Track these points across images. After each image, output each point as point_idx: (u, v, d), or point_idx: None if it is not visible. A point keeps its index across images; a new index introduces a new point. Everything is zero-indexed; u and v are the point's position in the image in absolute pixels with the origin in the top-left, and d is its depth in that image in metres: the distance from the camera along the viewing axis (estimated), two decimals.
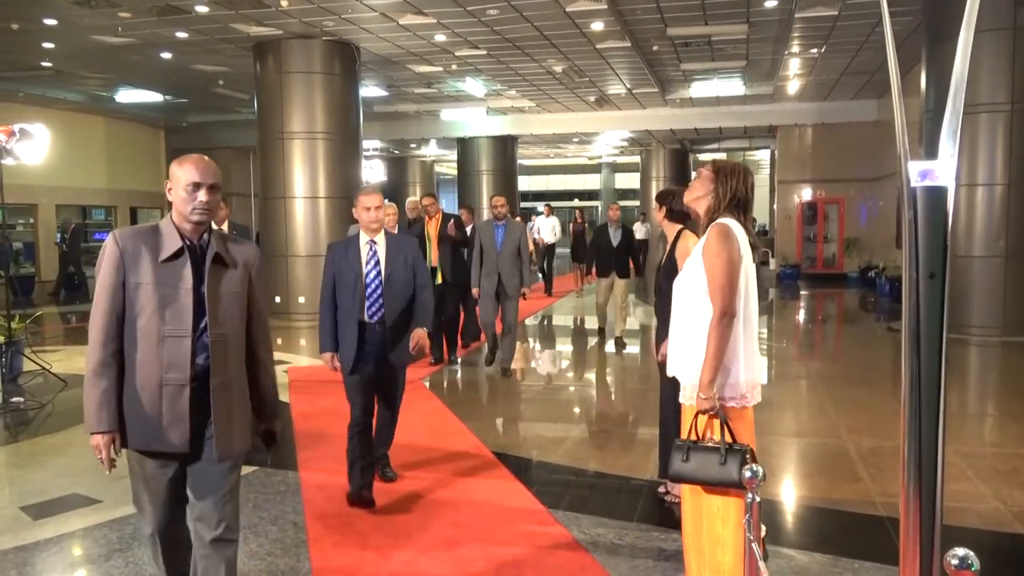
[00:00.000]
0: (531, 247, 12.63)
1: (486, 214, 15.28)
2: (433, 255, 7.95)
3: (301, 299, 11.95)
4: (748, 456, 2.60)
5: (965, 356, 9.01)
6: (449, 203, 29.49)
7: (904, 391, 2.13)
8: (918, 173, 2.08)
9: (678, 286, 2.91)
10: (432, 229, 8.05)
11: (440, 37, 11.76)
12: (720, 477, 2.66)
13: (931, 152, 2.09)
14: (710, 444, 2.69)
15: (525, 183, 22.52)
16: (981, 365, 8.85)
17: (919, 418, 2.12)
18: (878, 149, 17.64)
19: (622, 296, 9.66)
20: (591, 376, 8.54)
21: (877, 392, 7.23)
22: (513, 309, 7.64)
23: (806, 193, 19.77)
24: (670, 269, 3.91)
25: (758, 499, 2.44)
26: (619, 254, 9.49)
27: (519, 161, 23.42)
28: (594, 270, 10.82)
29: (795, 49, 12.88)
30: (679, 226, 4.19)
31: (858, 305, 15.14)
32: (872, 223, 18.40)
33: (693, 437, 2.78)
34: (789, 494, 4.55)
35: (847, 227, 19.15)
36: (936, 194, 2.07)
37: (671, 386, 3.37)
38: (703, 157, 26.89)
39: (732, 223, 2.75)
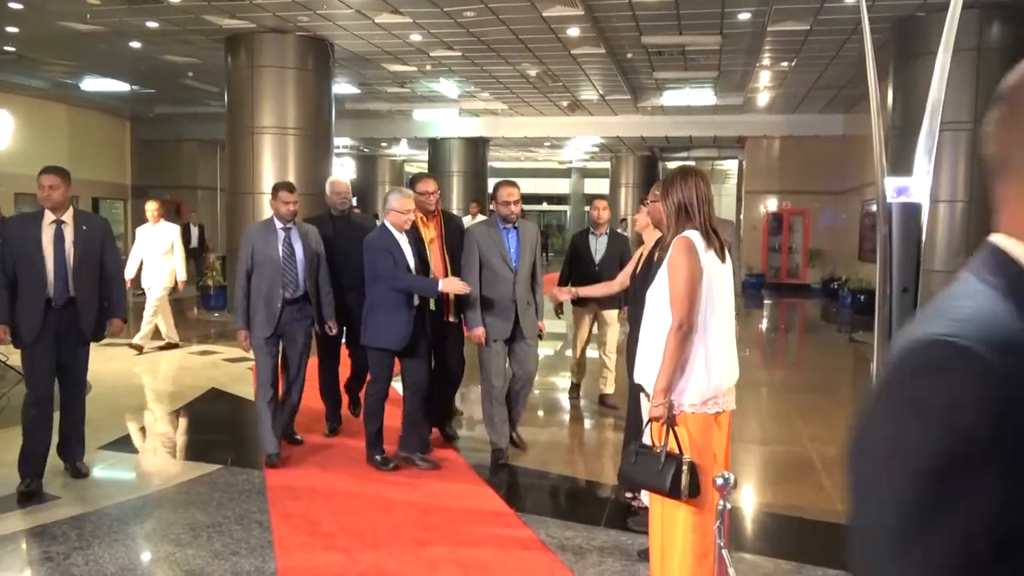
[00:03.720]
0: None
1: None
2: (437, 271, 5.07)
3: None
4: (687, 467, 2.66)
5: None
6: None
7: None
8: (894, 189, 2.13)
9: (649, 296, 2.96)
10: (433, 231, 5.24)
11: (415, 37, 11.72)
12: (653, 483, 2.73)
13: (898, 168, 2.14)
14: (656, 450, 2.75)
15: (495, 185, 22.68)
16: None
17: None
18: (844, 163, 17.97)
19: (613, 339, 6.51)
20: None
21: (840, 401, 7.36)
22: (534, 357, 5.08)
23: (772, 204, 20.06)
24: (647, 276, 3.90)
25: (729, 506, 2.48)
26: (606, 273, 5.63)
27: (490, 163, 23.42)
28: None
29: (766, 62, 13.07)
30: (660, 233, 4.21)
31: (820, 316, 15.39)
32: (836, 235, 18.71)
33: (651, 443, 2.83)
34: (754, 501, 4.61)
35: (812, 239, 19.46)
36: (911, 210, 2.12)
37: (640, 394, 3.39)
38: (672, 165, 27.16)
39: (694, 235, 2.79)
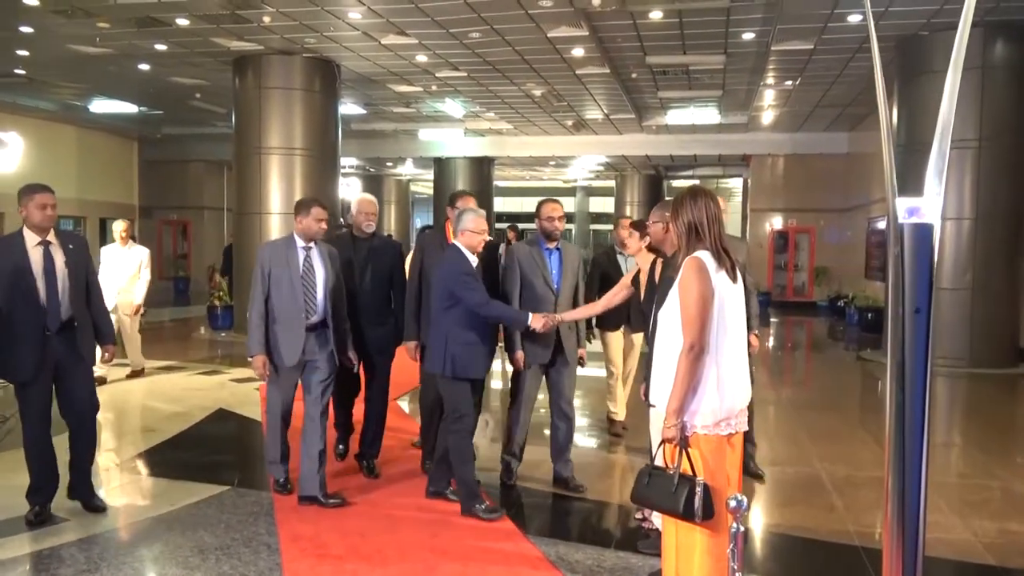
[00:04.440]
0: None
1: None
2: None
3: None
4: (700, 488, 2.65)
5: (933, 387, 9.15)
6: (425, 222, 29.42)
7: (888, 425, 2.16)
8: (906, 210, 2.13)
9: (661, 317, 2.95)
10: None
11: (421, 58, 11.81)
12: (666, 504, 2.71)
13: (904, 187, 2.15)
14: (670, 471, 2.73)
15: (499, 204, 22.64)
16: (949, 396, 9.00)
17: (903, 452, 2.15)
18: (848, 181, 18.00)
19: (637, 360, 6.39)
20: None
21: (848, 421, 7.31)
22: (571, 383, 4.96)
23: (777, 222, 20.06)
24: (655, 297, 3.89)
25: (743, 529, 2.46)
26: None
27: (495, 183, 23.49)
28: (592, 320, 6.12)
29: (770, 81, 13.12)
30: (652, 256, 4.22)
31: (827, 333, 15.34)
32: (842, 253, 18.69)
33: (664, 464, 2.82)
34: (764, 523, 4.58)
35: (817, 256, 19.43)
36: (922, 231, 2.12)
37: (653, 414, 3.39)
38: (677, 184, 27.20)
39: (705, 256, 2.80)
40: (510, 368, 4.96)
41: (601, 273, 6.27)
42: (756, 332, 5.10)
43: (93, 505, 4.42)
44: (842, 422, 7.25)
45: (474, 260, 4.39)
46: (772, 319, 17.23)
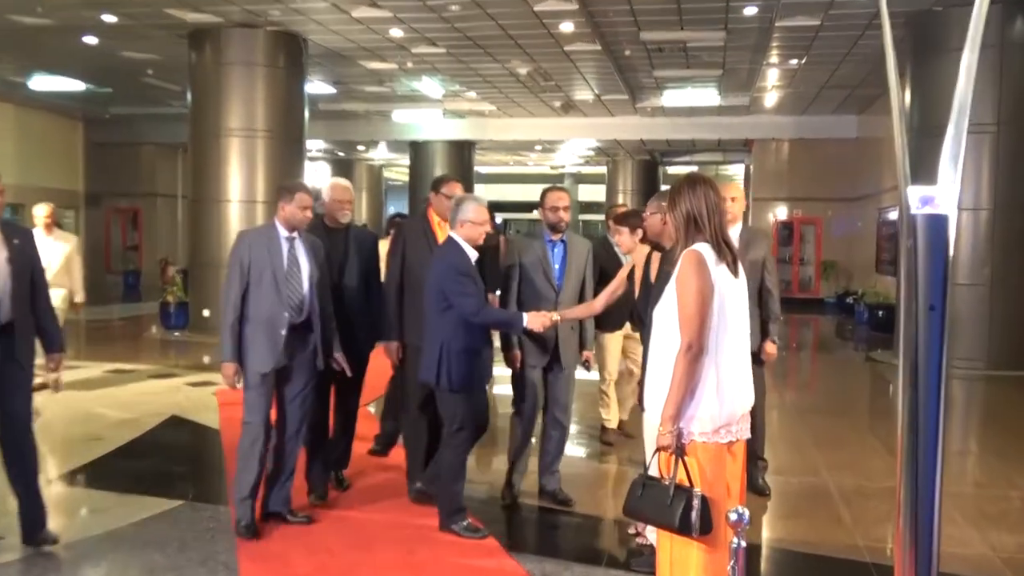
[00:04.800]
0: None
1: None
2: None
3: None
4: (697, 501, 2.65)
5: (948, 390, 9.23)
6: (400, 211, 29.26)
7: (901, 431, 2.17)
8: (919, 199, 2.13)
9: (656, 315, 2.96)
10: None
11: (396, 32, 11.76)
12: (661, 518, 2.72)
13: (916, 174, 2.15)
14: (665, 482, 2.74)
15: (481, 192, 22.59)
16: (965, 400, 9.09)
17: (916, 460, 2.16)
18: (858, 168, 18.11)
19: (635, 359, 6.13)
20: None
21: (857, 426, 7.37)
22: (569, 388, 4.94)
23: (781, 212, 20.18)
24: (650, 295, 3.87)
25: (743, 544, 2.47)
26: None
27: (476, 168, 23.47)
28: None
29: (774, 59, 13.19)
30: (648, 248, 4.23)
31: (835, 332, 15.47)
32: (851, 246, 18.84)
33: (659, 474, 2.82)
34: (767, 537, 4.60)
35: (824, 249, 19.58)
36: (937, 222, 2.12)
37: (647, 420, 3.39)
38: (673, 171, 27.29)
39: (704, 248, 2.80)
40: (507, 370, 4.91)
41: (600, 268, 5.93)
42: (775, 339, 5.07)
43: (44, 539, 4.14)
44: (851, 428, 7.31)
45: (473, 254, 4.29)
46: None
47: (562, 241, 4.80)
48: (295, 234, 4.37)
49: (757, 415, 4.80)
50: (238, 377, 4.26)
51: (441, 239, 4.68)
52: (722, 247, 2.84)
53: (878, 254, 16.46)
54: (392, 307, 4.87)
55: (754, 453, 4.92)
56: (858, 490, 5.35)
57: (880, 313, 14.04)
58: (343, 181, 5.10)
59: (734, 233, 5.00)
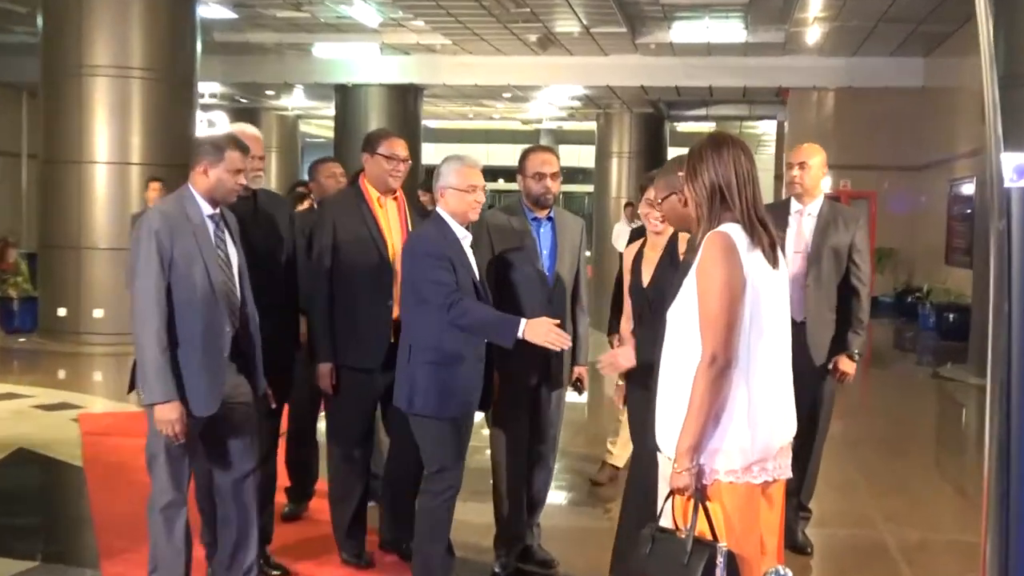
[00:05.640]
0: None
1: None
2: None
3: (98, 312, 11.61)
4: (723, 558, 2.68)
5: None
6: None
7: (987, 471, 2.21)
8: (1014, 168, 2.17)
9: (670, 317, 2.96)
10: (396, 216, 4.76)
11: None
12: None
13: (1008, 137, 2.18)
14: (681, 534, 2.76)
15: (430, 153, 22.26)
16: None
17: (1007, 507, 2.20)
18: (924, 126, 18.30)
19: None
20: None
21: (922, 464, 7.48)
22: (559, 414, 4.86)
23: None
24: (662, 286, 3.83)
25: None
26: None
27: (424, 122, 23.40)
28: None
29: None
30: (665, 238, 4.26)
31: (893, 341, 15.65)
32: (913, 228, 19.03)
33: (670, 524, 2.84)
34: None
35: (879, 233, 19.76)
36: None
37: (647, 455, 3.40)
38: (683, 128, 27.38)
39: (733, 230, 2.81)
40: None
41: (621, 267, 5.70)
42: (855, 354, 4.97)
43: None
44: (913, 467, 7.41)
45: (464, 234, 4.13)
46: None
47: (549, 219, 4.62)
48: (218, 210, 4.00)
49: (809, 450, 4.85)
50: (180, 422, 3.76)
51: (386, 222, 4.55)
52: (756, 228, 2.84)
53: (949, 240, 16.66)
54: (322, 320, 4.57)
55: (797, 500, 4.92)
56: (922, 546, 5.43)
57: (951, 316, 14.21)
58: (251, 129, 4.71)
59: (810, 210, 5.05)
